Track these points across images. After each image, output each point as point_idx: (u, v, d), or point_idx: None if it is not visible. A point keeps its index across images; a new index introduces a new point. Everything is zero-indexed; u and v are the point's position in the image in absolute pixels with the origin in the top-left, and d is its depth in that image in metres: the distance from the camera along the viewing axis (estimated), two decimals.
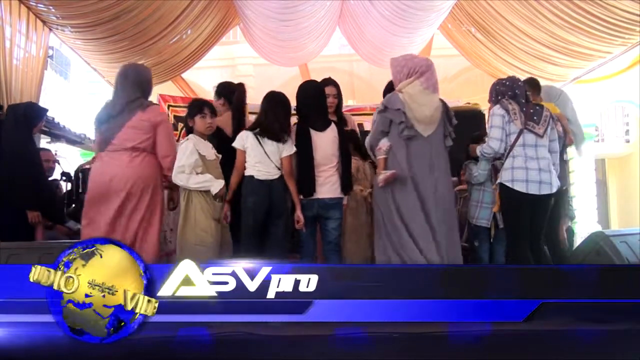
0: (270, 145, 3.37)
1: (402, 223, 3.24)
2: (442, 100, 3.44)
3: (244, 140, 3.39)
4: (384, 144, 3.34)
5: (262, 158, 3.35)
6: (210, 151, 3.42)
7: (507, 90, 3.42)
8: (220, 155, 3.49)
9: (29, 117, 4.11)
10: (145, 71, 3.53)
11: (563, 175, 3.79)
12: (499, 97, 3.44)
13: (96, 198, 3.28)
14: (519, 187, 3.26)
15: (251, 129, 3.43)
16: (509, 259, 3.52)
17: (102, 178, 3.28)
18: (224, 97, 3.95)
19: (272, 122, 3.41)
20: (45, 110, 4.34)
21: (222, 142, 3.61)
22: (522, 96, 3.42)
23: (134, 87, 3.34)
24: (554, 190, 3.30)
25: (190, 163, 3.27)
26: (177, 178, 3.29)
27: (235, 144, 3.41)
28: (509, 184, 3.29)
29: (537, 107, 3.39)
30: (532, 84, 4.03)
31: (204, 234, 3.29)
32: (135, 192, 3.24)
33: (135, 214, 3.25)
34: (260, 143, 3.36)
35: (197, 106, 3.48)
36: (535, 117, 3.33)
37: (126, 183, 3.23)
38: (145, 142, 3.29)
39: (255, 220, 3.33)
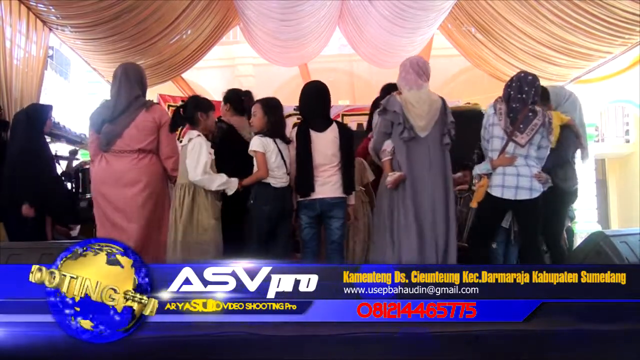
0: (285, 149, 3.45)
1: (397, 225, 3.34)
2: (441, 98, 3.49)
3: (266, 146, 3.40)
4: (387, 145, 3.43)
5: (279, 163, 3.40)
6: (210, 149, 3.44)
7: (513, 89, 3.37)
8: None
9: (35, 119, 4.15)
10: (142, 70, 3.58)
11: (572, 176, 3.83)
12: (508, 91, 3.41)
13: (105, 195, 3.29)
14: (496, 192, 3.33)
15: (267, 134, 3.43)
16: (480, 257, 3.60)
17: (109, 175, 3.28)
18: (229, 103, 3.98)
19: (279, 125, 3.48)
20: (49, 108, 4.35)
21: (237, 143, 3.67)
22: (529, 97, 3.35)
23: (136, 85, 3.36)
24: (534, 195, 3.31)
25: (208, 161, 3.30)
26: (203, 180, 3.28)
27: (256, 148, 3.39)
28: (489, 190, 3.36)
29: (530, 114, 3.33)
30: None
31: (205, 233, 3.30)
32: (146, 189, 3.26)
33: (146, 210, 3.27)
34: (279, 148, 3.41)
35: (211, 105, 3.52)
36: (521, 126, 3.31)
37: (137, 180, 3.25)
38: (151, 143, 3.32)
39: (271, 226, 3.39)
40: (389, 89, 3.70)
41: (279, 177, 3.40)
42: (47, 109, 4.34)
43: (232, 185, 3.36)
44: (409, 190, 3.33)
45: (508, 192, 3.31)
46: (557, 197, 3.68)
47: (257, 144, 3.40)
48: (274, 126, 3.45)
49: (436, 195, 3.34)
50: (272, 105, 3.51)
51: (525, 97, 3.35)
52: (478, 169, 3.45)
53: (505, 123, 3.33)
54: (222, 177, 3.34)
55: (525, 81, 3.37)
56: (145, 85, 3.52)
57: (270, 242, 3.42)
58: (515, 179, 3.30)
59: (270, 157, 3.39)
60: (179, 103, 7.40)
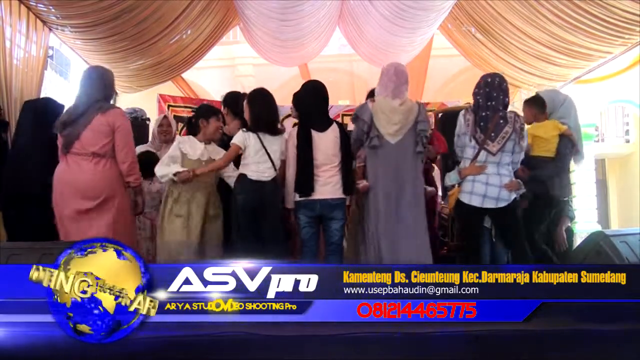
0: (272, 144, 3.42)
1: (368, 229, 3.41)
2: (419, 104, 3.50)
3: (245, 140, 3.41)
4: (361, 152, 3.50)
5: (261, 158, 3.38)
6: (196, 151, 3.49)
7: (482, 97, 3.37)
8: (213, 158, 3.58)
9: (47, 112, 4.11)
10: (109, 74, 3.55)
11: (567, 185, 3.85)
12: (477, 99, 3.40)
13: (63, 199, 3.30)
14: (464, 198, 3.36)
15: (251, 129, 3.44)
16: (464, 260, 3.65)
17: (68, 180, 3.30)
18: (227, 107, 4.02)
19: (268, 117, 3.47)
20: (62, 107, 4.35)
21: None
22: (498, 102, 3.34)
23: (98, 89, 3.38)
24: (500, 205, 3.31)
25: (164, 158, 3.48)
26: (155, 170, 3.52)
27: (235, 141, 3.44)
28: (459, 195, 3.41)
29: (501, 121, 3.32)
30: (537, 103, 3.92)
31: (175, 232, 3.39)
32: (102, 193, 3.27)
33: (103, 217, 3.27)
34: (262, 142, 3.38)
35: (210, 110, 3.66)
36: (493, 134, 3.30)
37: (93, 189, 3.26)
38: (106, 146, 3.31)
39: (245, 218, 3.36)
40: (374, 93, 3.72)
41: (259, 172, 3.39)
42: (61, 108, 4.32)
43: (172, 169, 3.41)
44: (376, 197, 3.39)
45: (475, 199, 3.33)
46: (548, 204, 3.69)
47: (238, 137, 3.45)
48: (256, 118, 3.46)
49: (402, 202, 3.37)
50: (251, 97, 3.54)
51: (495, 103, 3.34)
52: (448, 180, 3.48)
53: (475, 132, 3.33)
54: (168, 169, 3.44)
55: (493, 86, 3.36)
56: (110, 89, 3.51)
57: (259, 240, 3.38)
58: (483, 187, 3.31)
59: (250, 153, 3.39)
60: (179, 103, 7.45)
